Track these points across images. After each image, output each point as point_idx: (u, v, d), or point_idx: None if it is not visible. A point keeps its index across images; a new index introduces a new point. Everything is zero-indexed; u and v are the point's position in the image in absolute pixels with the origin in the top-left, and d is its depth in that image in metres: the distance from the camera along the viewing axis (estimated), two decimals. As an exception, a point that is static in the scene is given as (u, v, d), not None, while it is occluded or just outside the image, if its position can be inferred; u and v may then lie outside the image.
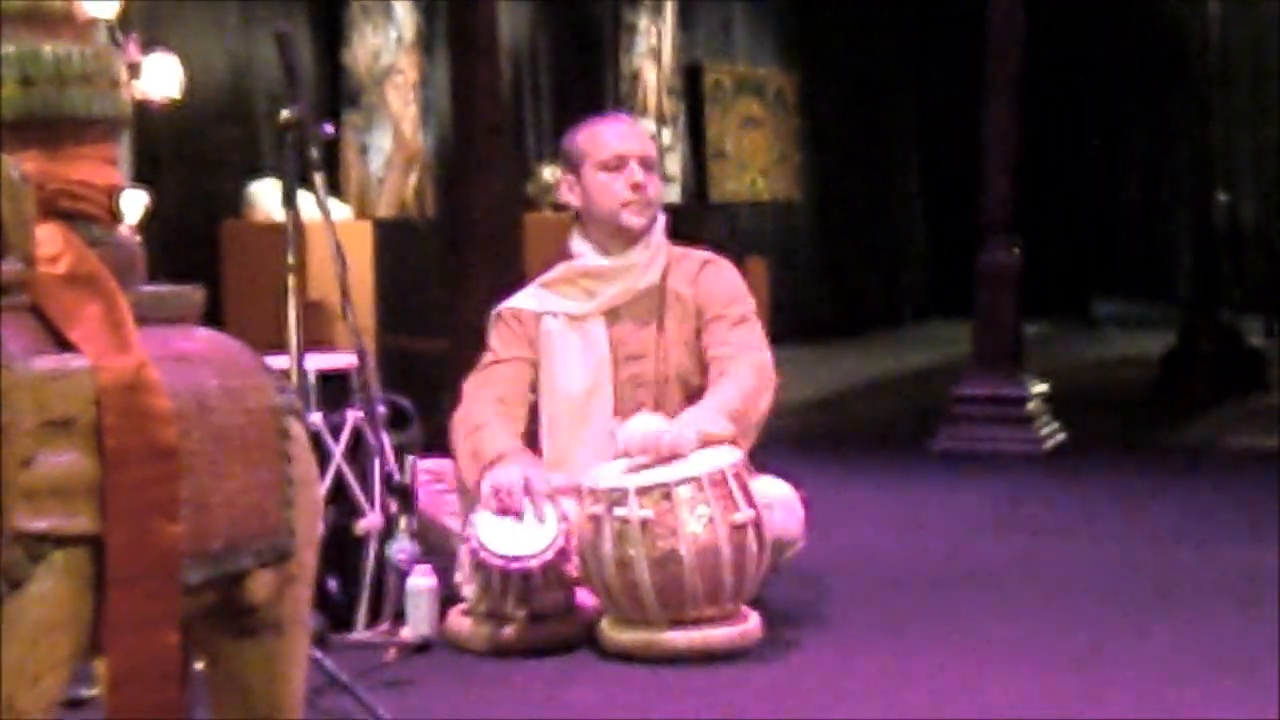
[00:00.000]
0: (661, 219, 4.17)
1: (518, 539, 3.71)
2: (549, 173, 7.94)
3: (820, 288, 12.15)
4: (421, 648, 3.79)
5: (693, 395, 3.98)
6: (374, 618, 3.94)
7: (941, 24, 12.02)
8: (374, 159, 7.41)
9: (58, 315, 2.03)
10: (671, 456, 3.71)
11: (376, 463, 3.80)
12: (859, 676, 3.59)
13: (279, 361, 3.27)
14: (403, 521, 3.58)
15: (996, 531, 5.25)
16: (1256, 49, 11.69)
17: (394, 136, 7.47)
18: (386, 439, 3.62)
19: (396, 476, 3.58)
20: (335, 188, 6.98)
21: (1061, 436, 6.94)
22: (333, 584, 3.87)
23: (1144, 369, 8.84)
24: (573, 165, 4.15)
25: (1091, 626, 3.95)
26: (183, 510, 2.02)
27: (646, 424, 3.78)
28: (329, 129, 3.61)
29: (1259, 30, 11.56)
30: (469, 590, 3.79)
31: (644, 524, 3.62)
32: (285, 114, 3.48)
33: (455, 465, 4.01)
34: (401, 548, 3.59)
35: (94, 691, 2.78)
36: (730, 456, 3.72)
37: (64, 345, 2.01)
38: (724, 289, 4.09)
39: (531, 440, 4.02)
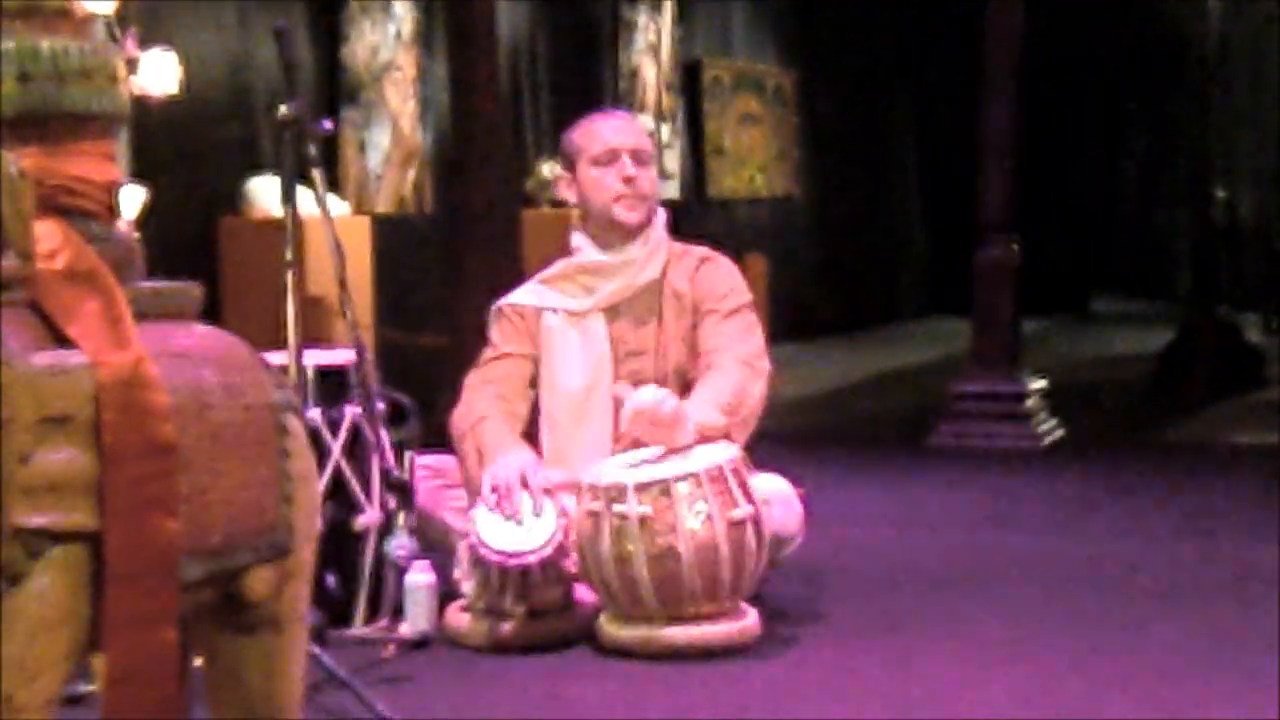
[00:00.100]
0: (662, 215, 4.17)
1: (517, 535, 3.71)
2: (547, 169, 7.93)
3: (819, 285, 12.15)
4: (420, 644, 3.79)
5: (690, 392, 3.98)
6: (373, 614, 3.94)
7: (941, 21, 12.02)
8: (372, 155, 7.40)
9: (56, 311, 2.03)
10: (671, 424, 3.69)
11: (375, 459, 3.80)
12: (857, 673, 3.59)
13: (277, 357, 3.28)
14: (401, 517, 3.59)
15: (995, 528, 5.26)
16: (1256, 47, 11.69)
17: (392, 133, 7.47)
18: (385, 435, 3.63)
19: (395, 472, 3.59)
20: (334, 184, 6.97)
21: (1060, 433, 6.95)
22: (331, 580, 3.87)
23: (1142, 366, 8.85)
24: (569, 162, 4.17)
25: (1090, 623, 3.95)
26: (181, 506, 2.02)
27: (654, 394, 3.77)
28: (327, 125, 3.61)
29: (1258, 28, 11.56)
30: (468, 586, 3.79)
31: (642, 520, 3.62)
32: (284, 110, 3.48)
33: (458, 461, 4.01)
34: (400, 544, 3.59)
35: (92, 688, 2.78)
36: (729, 453, 3.73)
37: (62, 341, 2.01)
38: (721, 284, 4.10)
39: (532, 437, 4.02)
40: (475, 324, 4.40)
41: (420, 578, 3.83)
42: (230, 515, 2.09)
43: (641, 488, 3.64)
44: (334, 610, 3.82)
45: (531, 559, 3.70)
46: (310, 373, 3.86)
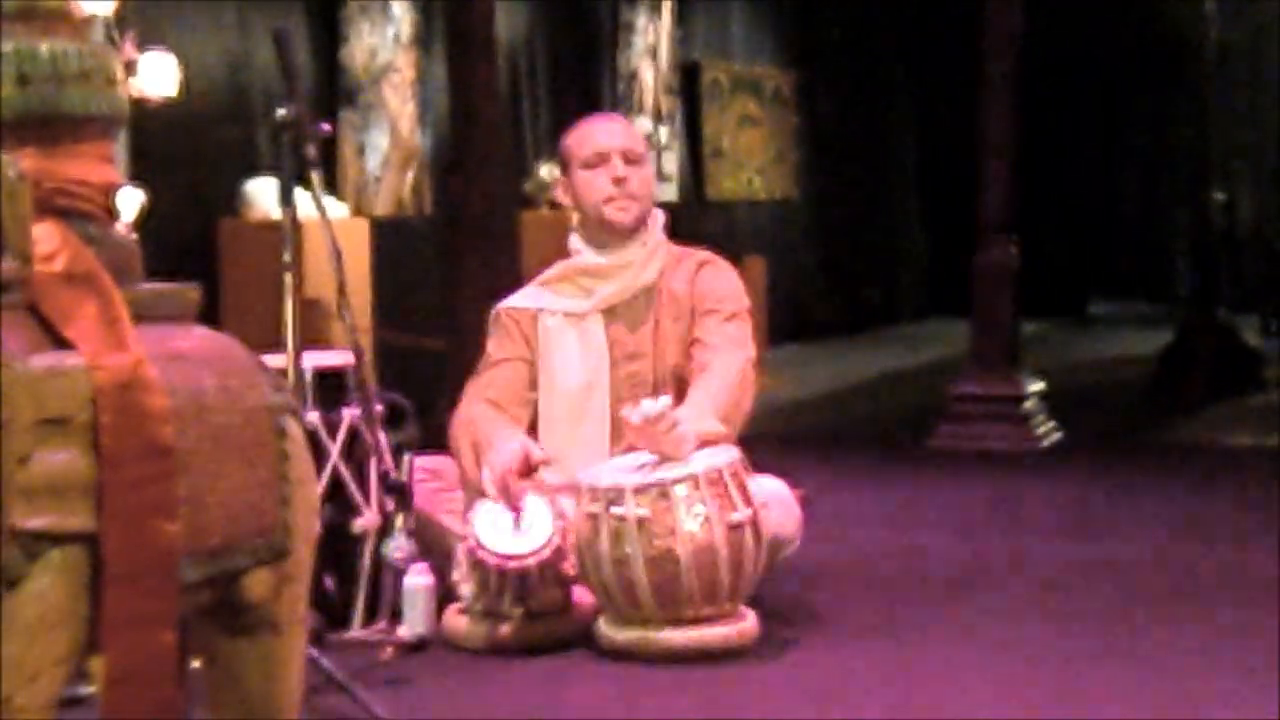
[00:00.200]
0: (660, 217, 4.18)
1: (515, 537, 3.71)
2: (546, 171, 7.94)
3: (817, 287, 12.15)
4: (418, 646, 3.79)
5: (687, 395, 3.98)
6: (371, 616, 3.94)
7: (940, 22, 12.01)
8: (371, 157, 7.41)
9: (54, 313, 2.03)
10: (676, 443, 3.69)
11: (373, 461, 3.80)
12: (856, 675, 3.59)
13: (276, 360, 3.27)
14: (400, 520, 3.58)
15: (994, 529, 5.26)
16: (1254, 49, 11.70)
17: (391, 135, 7.47)
18: (383, 437, 3.62)
19: (393, 475, 3.58)
20: (332, 186, 6.97)
21: (1058, 435, 6.95)
22: (329, 582, 3.87)
23: (1141, 368, 8.84)
24: (564, 166, 4.18)
25: (1089, 624, 3.95)
26: (180, 508, 2.02)
27: (656, 408, 3.75)
28: (326, 127, 3.61)
29: (1257, 30, 11.57)
30: (466, 588, 3.79)
31: (641, 523, 3.62)
32: (282, 112, 3.47)
33: (458, 465, 4.01)
34: (398, 546, 3.59)
35: (91, 689, 2.78)
36: (727, 455, 3.72)
37: (61, 343, 2.01)
38: (720, 287, 4.10)
39: (531, 438, 4.02)
40: (474, 326, 4.40)
41: (418, 580, 3.82)
42: (229, 517, 2.09)
43: (640, 490, 3.64)
44: (332, 612, 3.81)
45: (530, 561, 3.69)
46: (309, 375, 3.86)
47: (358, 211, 7.13)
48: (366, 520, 3.94)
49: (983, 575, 4.53)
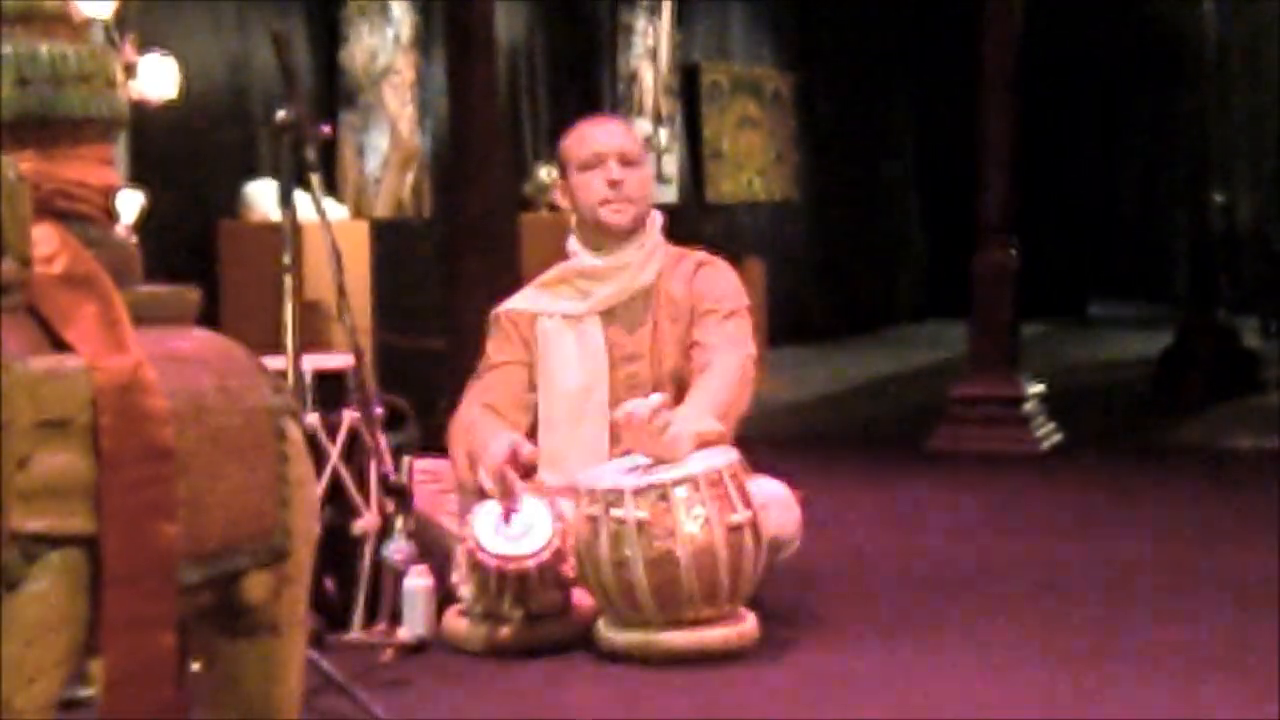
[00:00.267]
0: (658, 219, 4.18)
1: (514, 539, 3.71)
2: (545, 173, 7.94)
3: (817, 288, 12.15)
4: (418, 648, 3.79)
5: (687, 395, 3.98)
6: (370, 618, 3.94)
7: (939, 23, 12.02)
8: (371, 159, 7.41)
9: (54, 315, 2.02)
10: (671, 444, 3.69)
11: (373, 463, 3.80)
12: (856, 677, 3.59)
13: (275, 362, 3.28)
14: (399, 522, 3.59)
15: (993, 531, 5.25)
16: (1254, 49, 11.70)
17: (391, 136, 7.48)
18: (383, 439, 3.62)
19: (393, 476, 3.58)
20: (332, 188, 6.97)
21: (1058, 437, 6.94)
22: (329, 584, 3.87)
23: (1141, 370, 8.85)
24: (562, 168, 4.19)
25: (1088, 627, 3.95)
26: (179, 511, 2.02)
27: (646, 405, 3.75)
28: (325, 129, 3.61)
29: (1257, 31, 11.57)
30: (465, 590, 3.79)
31: (640, 525, 3.62)
32: (282, 114, 3.48)
33: (453, 469, 4.01)
34: (398, 548, 3.59)
35: (90, 692, 2.78)
36: (727, 457, 3.72)
37: (60, 345, 2.01)
38: (719, 286, 4.10)
39: (530, 439, 4.02)
40: (473, 327, 4.40)
41: (418, 582, 3.82)
42: (228, 519, 2.09)
43: (639, 492, 3.64)
44: (332, 614, 3.81)
45: (529, 563, 3.69)
46: (308, 377, 3.86)
47: (357, 213, 7.13)
48: (366, 522, 3.93)
49: (982, 576, 4.53)
